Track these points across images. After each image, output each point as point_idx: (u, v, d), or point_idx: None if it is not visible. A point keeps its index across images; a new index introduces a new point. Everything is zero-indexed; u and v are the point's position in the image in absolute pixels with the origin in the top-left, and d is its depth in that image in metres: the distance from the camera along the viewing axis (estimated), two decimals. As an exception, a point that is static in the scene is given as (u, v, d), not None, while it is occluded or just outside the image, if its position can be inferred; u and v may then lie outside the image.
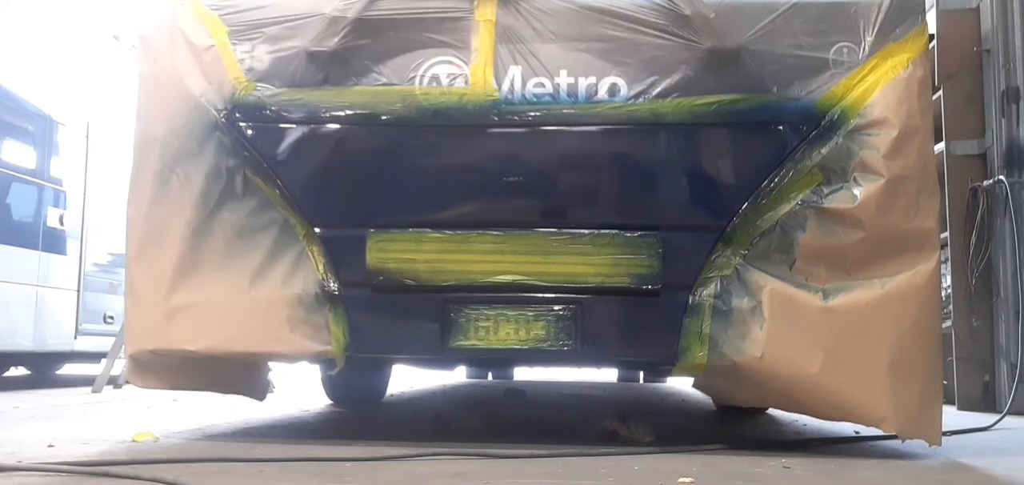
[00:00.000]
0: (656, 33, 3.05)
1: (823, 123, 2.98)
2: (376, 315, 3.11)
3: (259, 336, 3.07)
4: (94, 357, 7.80)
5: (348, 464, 2.60)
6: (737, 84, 3.01)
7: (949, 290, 5.67)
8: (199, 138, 3.11)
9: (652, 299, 3.05)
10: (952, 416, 4.63)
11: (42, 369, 8.90)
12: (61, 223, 7.42)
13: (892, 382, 2.86)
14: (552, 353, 3.10)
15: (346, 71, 3.11)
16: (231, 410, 3.82)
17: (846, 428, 3.49)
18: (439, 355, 3.18)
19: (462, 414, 4.78)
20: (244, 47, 3.15)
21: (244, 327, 3.06)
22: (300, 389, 6.34)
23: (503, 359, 5.35)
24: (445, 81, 3.09)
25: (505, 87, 3.06)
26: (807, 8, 3.06)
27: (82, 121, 7.76)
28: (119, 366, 6.24)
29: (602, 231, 3.06)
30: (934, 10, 5.75)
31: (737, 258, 3.00)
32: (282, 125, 3.12)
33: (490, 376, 9.66)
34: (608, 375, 10.02)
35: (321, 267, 3.08)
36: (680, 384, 8.07)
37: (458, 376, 9.62)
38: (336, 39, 3.09)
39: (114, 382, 7.02)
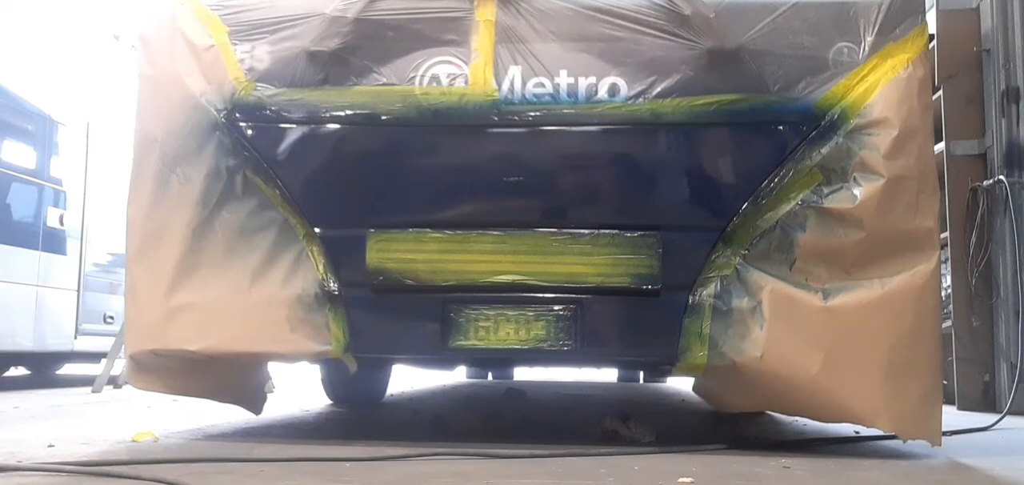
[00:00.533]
0: (656, 33, 3.05)
1: (823, 123, 2.98)
2: (376, 315, 3.11)
3: (259, 336, 3.06)
4: (94, 357, 7.81)
5: (348, 464, 2.60)
6: (737, 84, 3.01)
7: (949, 290, 5.67)
8: (199, 138, 3.11)
9: (652, 299, 3.05)
10: (952, 416, 4.63)
11: (42, 369, 8.90)
12: (61, 223, 7.42)
13: (892, 382, 2.86)
14: (552, 353, 3.10)
15: (346, 71, 3.11)
16: (231, 410, 3.82)
17: (846, 428, 3.48)
18: (439, 355, 3.18)
19: (462, 414, 4.78)
20: (244, 47, 3.15)
21: (244, 327, 3.06)
22: (300, 389, 6.34)
23: (503, 359, 5.35)
24: (445, 81, 3.09)
25: (505, 87, 3.06)
26: (807, 8, 3.06)
27: (82, 121, 7.76)
28: (119, 366, 6.24)
29: (602, 231, 3.06)
30: (934, 10, 5.76)
31: (737, 258, 3.00)
32: (282, 125, 3.12)
33: (490, 376, 9.66)
34: (608, 375, 10.02)
35: (321, 267, 3.08)
36: (680, 384, 8.06)
37: (458, 376, 9.62)
38: (336, 39, 3.09)
39: (114, 382, 7.02)
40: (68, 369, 9.35)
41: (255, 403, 3.61)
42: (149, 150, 3.15)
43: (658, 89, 3.02)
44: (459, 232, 3.08)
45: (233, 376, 3.41)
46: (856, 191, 2.92)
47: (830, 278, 2.95)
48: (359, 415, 4.68)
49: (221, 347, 3.07)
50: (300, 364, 4.10)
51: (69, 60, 7.64)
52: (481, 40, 3.09)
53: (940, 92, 5.74)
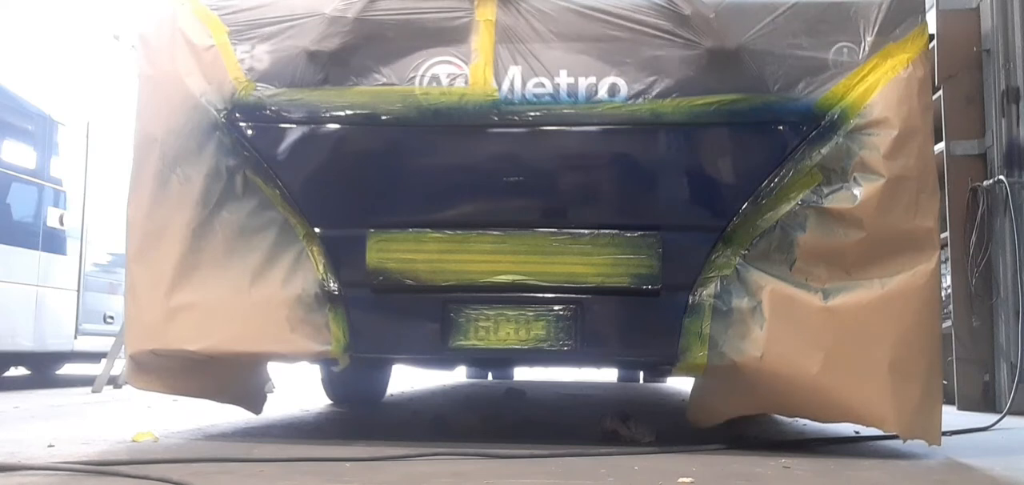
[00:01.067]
0: (656, 33, 3.04)
1: (823, 123, 2.98)
2: (376, 315, 3.11)
3: (259, 336, 3.06)
4: (94, 357, 7.81)
5: (348, 464, 2.60)
6: (737, 84, 3.01)
7: (949, 290, 5.67)
8: (199, 138, 3.11)
9: (652, 299, 3.05)
10: (952, 416, 4.63)
11: (42, 369, 8.90)
12: (61, 223, 7.42)
13: (892, 382, 2.86)
14: (552, 353, 3.10)
15: (346, 71, 3.11)
16: (231, 410, 3.82)
17: (846, 428, 3.49)
18: (439, 355, 3.18)
19: (462, 414, 4.78)
20: (244, 47, 3.15)
21: (244, 327, 3.06)
22: (300, 389, 6.34)
23: (503, 359, 5.34)
24: (445, 81, 3.09)
25: (505, 87, 3.06)
26: (807, 8, 3.06)
27: (82, 121, 7.77)
28: (119, 366, 6.24)
29: (602, 231, 3.06)
30: (934, 10, 5.76)
31: (737, 258, 3.00)
32: (282, 125, 3.12)
33: (490, 376, 9.66)
34: (608, 375, 10.02)
35: (321, 267, 3.08)
36: (680, 384, 8.06)
37: (458, 376, 9.62)
38: (336, 39, 3.09)
39: (114, 382, 7.02)
40: (68, 369, 9.35)
41: (255, 403, 3.62)
42: (149, 150, 3.15)
43: (658, 89, 3.02)
44: (459, 232, 3.08)
45: (233, 376, 3.41)
46: (856, 191, 2.92)
47: (830, 278, 2.95)
48: (359, 415, 4.68)
49: (221, 347, 3.07)
50: (300, 364, 4.10)
51: (69, 60, 7.64)
52: (481, 40, 3.09)
53: (940, 92, 5.74)
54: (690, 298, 3.00)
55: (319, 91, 3.11)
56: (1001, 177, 5.50)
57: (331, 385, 5.15)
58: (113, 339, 7.10)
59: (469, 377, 9.72)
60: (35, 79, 7.20)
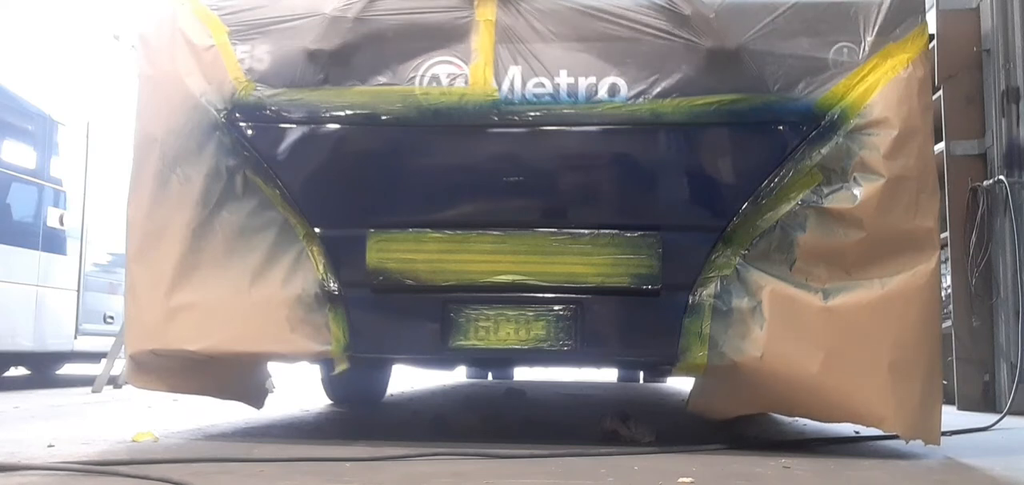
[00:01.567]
0: (656, 33, 3.05)
1: (823, 123, 2.98)
2: (376, 315, 3.11)
3: (259, 336, 3.07)
4: (94, 357, 7.81)
5: (348, 464, 2.60)
6: (737, 84, 3.01)
7: (949, 290, 5.67)
8: (199, 138, 3.11)
9: (652, 299, 3.05)
10: (952, 416, 4.63)
11: (42, 369, 8.90)
12: (61, 223, 7.42)
13: (892, 382, 2.86)
14: (552, 353, 3.10)
15: (346, 71, 3.11)
16: (231, 410, 3.82)
17: (846, 428, 3.49)
18: (439, 355, 3.18)
19: (462, 414, 4.78)
20: (244, 47, 3.15)
21: (244, 327, 3.06)
22: (300, 389, 6.34)
23: (503, 359, 5.35)
24: (445, 81, 3.09)
25: (505, 87, 3.06)
26: (807, 8, 3.06)
27: (82, 121, 7.77)
28: (119, 366, 6.24)
29: (602, 231, 3.06)
30: (934, 10, 5.76)
31: (737, 258, 3.00)
32: (282, 125, 3.12)
33: (490, 376, 9.66)
34: (608, 375, 10.02)
35: (321, 267, 3.08)
36: (680, 384, 8.06)
37: (458, 376, 9.62)
38: (336, 39, 3.09)
39: (114, 382, 7.02)
40: (68, 369, 9.35)
41: (256, 398, 3.60)
42: (149, 150, 3.15)
43: (658, 89, 3.02)
44: (459, 232, 3.08)
45: (233, 374, 3.41)
46: (856, 191, 2.92)
47: (830, 278, 2.95)
48: (359, 415, 4.68)
49: (221, 347, 3.07)
50: (300, 364, 4.10)
51: (69, 60, 7.64)
52: (481, 40, 3.09)
53: (940, 92, 5.74)
54: (690, 298, 3.00)
55: (319, 91, 3.11)
56: (1001, 177, 5.50)
57: (331, 385, 5.15)
58: (113, 339, 7.10)
59: (469, 377, 9.72)
60: (35, 79, 7.20)
